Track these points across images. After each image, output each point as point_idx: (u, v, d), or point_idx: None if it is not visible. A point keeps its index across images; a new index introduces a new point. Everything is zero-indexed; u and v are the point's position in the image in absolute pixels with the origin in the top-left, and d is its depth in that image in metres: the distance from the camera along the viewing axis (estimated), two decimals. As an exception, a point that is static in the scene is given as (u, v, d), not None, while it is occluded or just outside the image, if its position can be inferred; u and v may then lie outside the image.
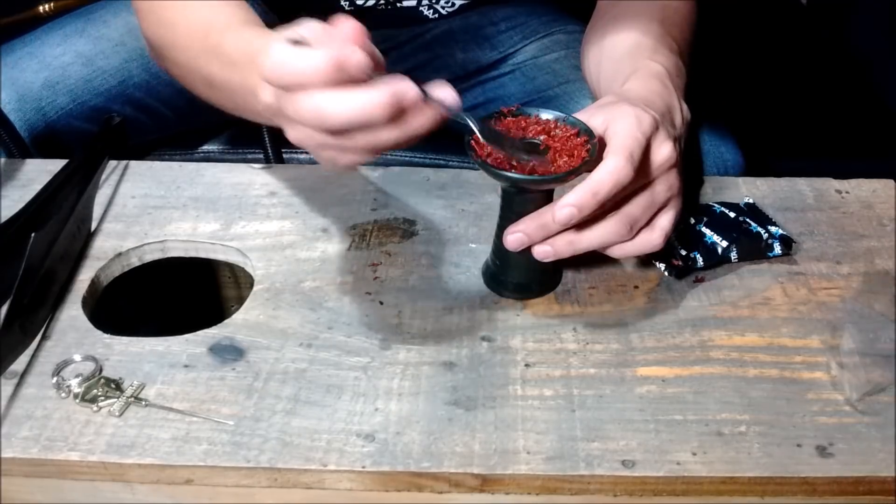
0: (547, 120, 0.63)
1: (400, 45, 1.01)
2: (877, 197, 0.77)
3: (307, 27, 0.54)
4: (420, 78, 0.55)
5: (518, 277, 0.65)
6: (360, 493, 0.54)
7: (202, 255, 0.72)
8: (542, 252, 0.61)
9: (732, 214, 0.71)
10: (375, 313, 0.64)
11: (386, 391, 0.58)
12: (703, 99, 0.91)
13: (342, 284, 0.67)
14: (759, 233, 0.69)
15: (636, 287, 0.67)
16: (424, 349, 0.61)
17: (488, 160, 0.59)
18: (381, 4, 0.96)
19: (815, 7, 1.51)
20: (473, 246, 0.70)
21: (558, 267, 0.67)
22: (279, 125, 0.56)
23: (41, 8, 1.13)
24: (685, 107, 0.70)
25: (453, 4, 0.98)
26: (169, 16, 0.74)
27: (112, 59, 0.92)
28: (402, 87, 0.52)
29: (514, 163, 0.59)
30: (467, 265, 0.68)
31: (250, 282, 0.68)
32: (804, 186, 0.78)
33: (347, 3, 0.96)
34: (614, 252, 0.63)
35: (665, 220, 0.62)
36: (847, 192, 0.77)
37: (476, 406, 0.57)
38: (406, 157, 1.02)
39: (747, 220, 0.70)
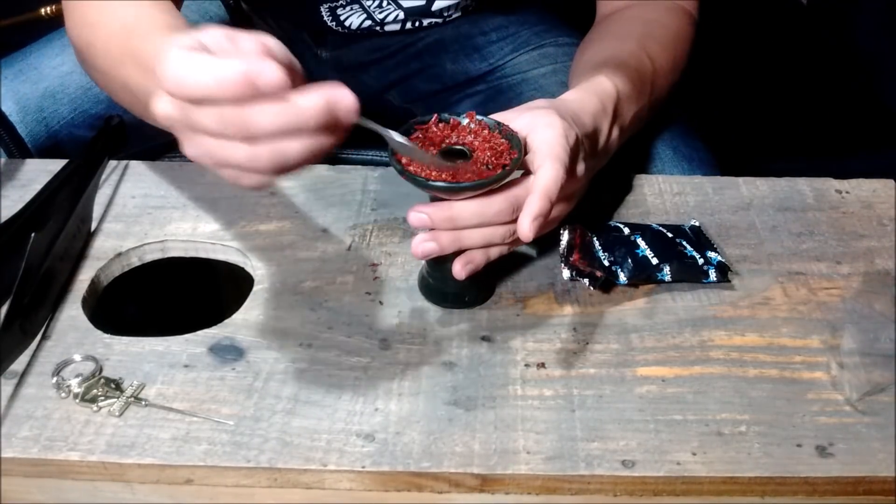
0: (470, 125, 0.62)
1: (393, 55, 1.01)
2: (877, 197, 0.77)
3: (210, 34, 0.49)
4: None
5: (455, 288, 0.63)
6: (360, 493, 0.54)
7: (202, 255, 0.72)
8: (427, 249, 0.59)
9: (670, 235, 0.69)
10: (375, 313, 0.64)
11: (386, 391, 0.58)
12: (689, 100, 0.91)
13: (342, 284, 0.67)
14: (693, 257, 0.67)
15: (636, 287, 0.67)
16: (424, 349, 0.61)
17: (410, 168, 0.58)
18: (365, 30, 0.96)
19: (815, 7, 1.51)
20: (473, 246, 0.70)
21: (491, 278, 0.66)
22: (178, 137, 0.50)
23: (43, 11, 1.12)
24: (615, 136, 0.69)
25: (441, 20, 0.98)
26: (92, 16, 0.71)
27: None
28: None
29: (437, 170, 0.58)
30: (467, 265, 0.68)
31: (250, 282, 0.68)
32: (804, 186, 0.78)
33: (335, 24, 0.96)
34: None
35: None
36: (847, 192, 0.77)
37: (476, 406, 0.57)
38: (406, 157, 1.02)
39: (683, 242, 0.68)
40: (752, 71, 1.38)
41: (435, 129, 0.62)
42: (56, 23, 1.02)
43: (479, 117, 0.62)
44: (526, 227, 0.57)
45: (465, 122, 0.62)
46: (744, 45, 1.43)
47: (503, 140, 0.60)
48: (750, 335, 0.63)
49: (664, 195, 0.76)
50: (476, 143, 0.61)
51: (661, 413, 0.57)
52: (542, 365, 0.60)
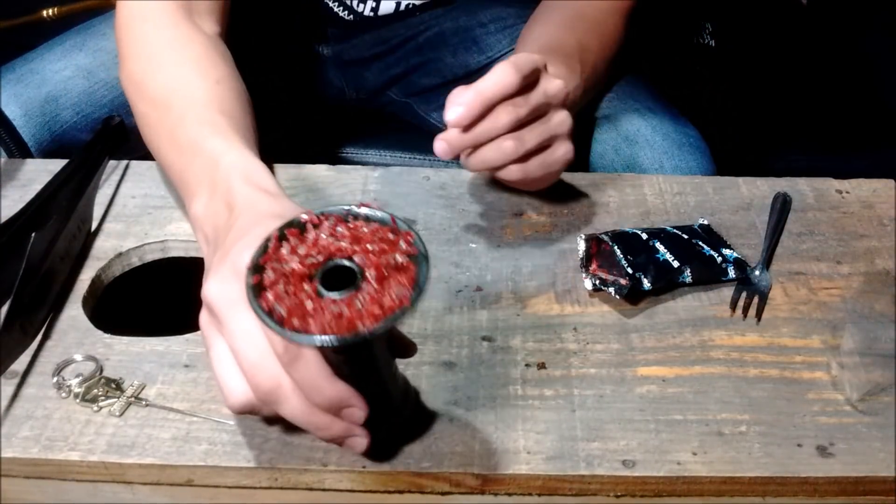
0: (366, 226, 0.47)
1: (393, 50, 1.02)
2: (877, 197, 0.77)
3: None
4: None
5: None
6: (361, 493, 0.54)
7: (202, 254, 0.72)
8: (439, 148, 0.65)
9: (685, 236, 0.69)
10: (376, 313, 0.64)
11: (386, 391, 0.58)
12: (687, 99, 0.91)
13: (342, 284, 0.67)
14: (711, 256, 0.67)
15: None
16: (424, 349, 0.61)
17: (273, 312, 0.44)
18: (372, 11, 0.97)
19: (815, 7, 1.51)
20: (473, 246, 0.70)
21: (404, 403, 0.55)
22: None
23: (45, 13, 1.13)
24: (576, 86, 0.75)
25: None
26: (138, 73, 0.73)
27: (112, 70, 0.91)
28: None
29: (316, 307, 0.44)
30: (467, 265, 0.68)
31: (250, 282, 0.67)
32: (804, 186, 0.78)
33: (345, 11, 0.96)
34: (512, 174, 0.67)
35: (561, 150, 0.69)
36: (847, 192, 0.77)
37: (476, 406, 0.57)
38: (406, 157, 1.02)
39: (699, 242, 0.68)
40: (751, 70, 1.38)
41: (312, 237, 0.47)
42: (58, 25, 1.02)
43: (380, 214, 0.47)
44: (446, 115, 0.63)
45: (362, 219, 0.48)
46: (744, 44, 1.43)
47: (400, 248, 0.46)
48: (750, 335, 0.63)
49: (664, 195, 0.76)
50: (367, 252, 0.46)
51: (662, 413, 0.57)
52: (542, 365, 0.60)
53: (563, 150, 0.69)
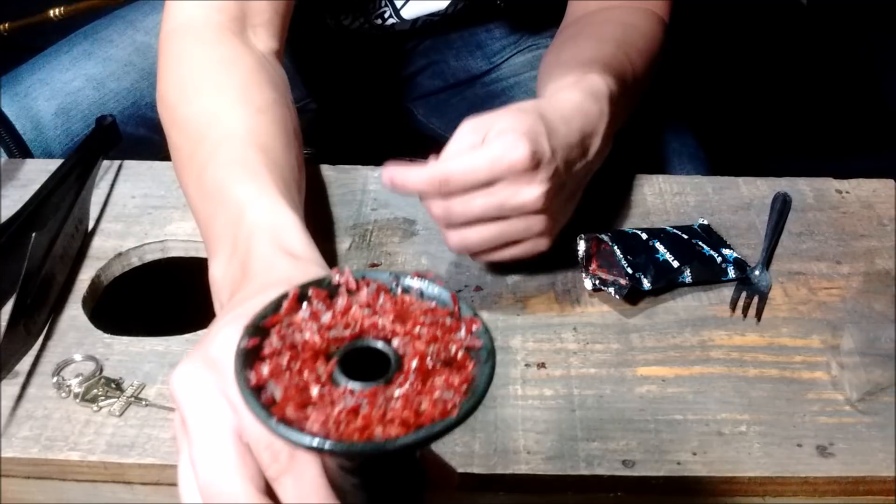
0: (416, 304, 0.36)
1: (401, 52, 1.01)
2: (877, 197, 0.77)
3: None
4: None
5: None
6: (361, 493, 0.54)
7: (202, 255, 0.72)
8: (386, 178, 0.60)
9: (685, 236, 0.68)
10: (375, 313, 0.64)
11: (386, 391, 0.58)
12: (687, 99, 0.91)
13: (342, 284, 0.67)
14: (711, 256, 0.67)
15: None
16: (424, 349, 0.61)
17: (263, 391, 0.33)
18: (364, 25, 0.96)
19: (815, 7, 1.51)
20: (473, 246, 0.70)
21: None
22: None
23: (52, 13, 1.13)
24: (602, 134, 0.65)
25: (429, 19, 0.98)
26: (172, 97, 0.65)
27: (122, 80, 0.91)
28: None
29: (324, 395, 0.32)
30: (467, 265, 0.68)
31: (250, 282, 0.67)
32: (804, 186, 0.78)
33: (333, 22, 0.96)
34: (484, 258, 0.63)
35: (509, 252, 0.62)
36: (847, 192, 0.77)
37: (476, 406, 0.57)
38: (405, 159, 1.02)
39: (699, 242, 0.68)
40: (752, 71, 1.38)
41: (327, 303, 0.36)
42: (65, 25, 1.01)
43: (429, 288, 0.36)
44: (384, 176, 0.59)
45: (404, 289, 0.37)
46: (744, 44, 1.43)
47: (460, 329, 0.35)
48: (750, 335, 0.63)
49: (664, 195, 0.76)
50: (413, 337, 0.35)
51: (662, 413, 0.57)
52: (542, 365, 0.60)
53: (511, 251, 0.62)
